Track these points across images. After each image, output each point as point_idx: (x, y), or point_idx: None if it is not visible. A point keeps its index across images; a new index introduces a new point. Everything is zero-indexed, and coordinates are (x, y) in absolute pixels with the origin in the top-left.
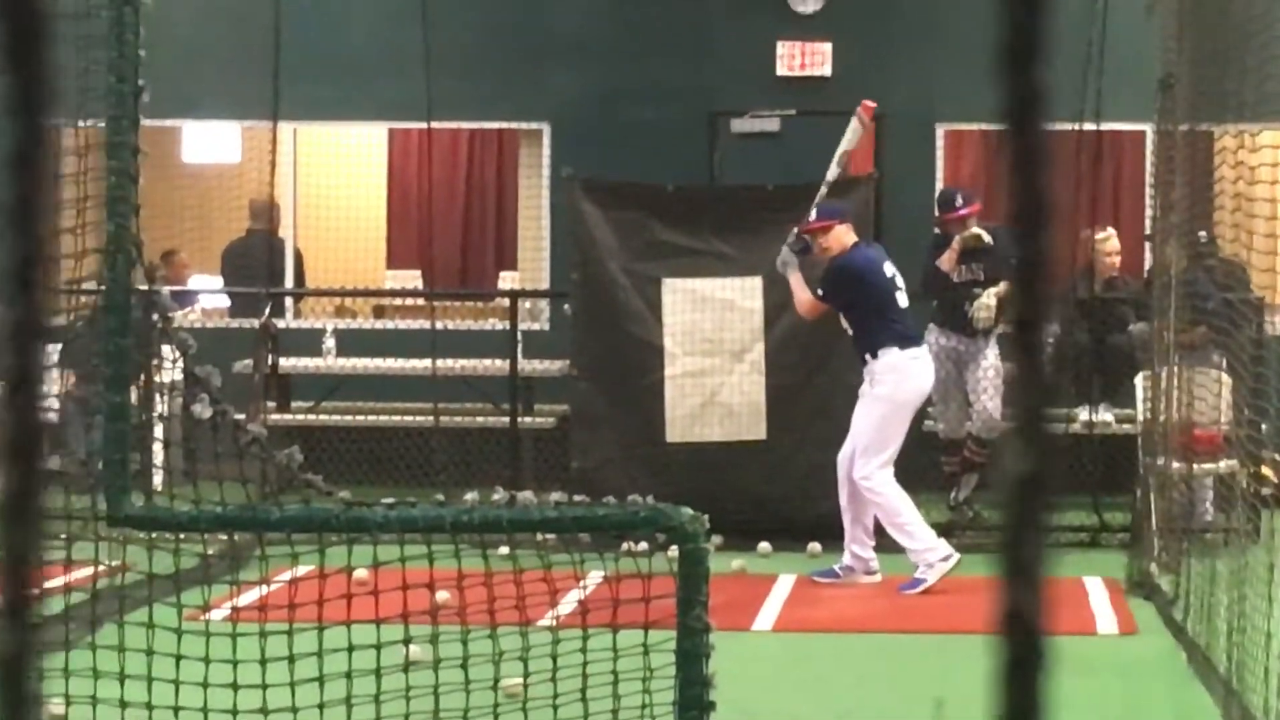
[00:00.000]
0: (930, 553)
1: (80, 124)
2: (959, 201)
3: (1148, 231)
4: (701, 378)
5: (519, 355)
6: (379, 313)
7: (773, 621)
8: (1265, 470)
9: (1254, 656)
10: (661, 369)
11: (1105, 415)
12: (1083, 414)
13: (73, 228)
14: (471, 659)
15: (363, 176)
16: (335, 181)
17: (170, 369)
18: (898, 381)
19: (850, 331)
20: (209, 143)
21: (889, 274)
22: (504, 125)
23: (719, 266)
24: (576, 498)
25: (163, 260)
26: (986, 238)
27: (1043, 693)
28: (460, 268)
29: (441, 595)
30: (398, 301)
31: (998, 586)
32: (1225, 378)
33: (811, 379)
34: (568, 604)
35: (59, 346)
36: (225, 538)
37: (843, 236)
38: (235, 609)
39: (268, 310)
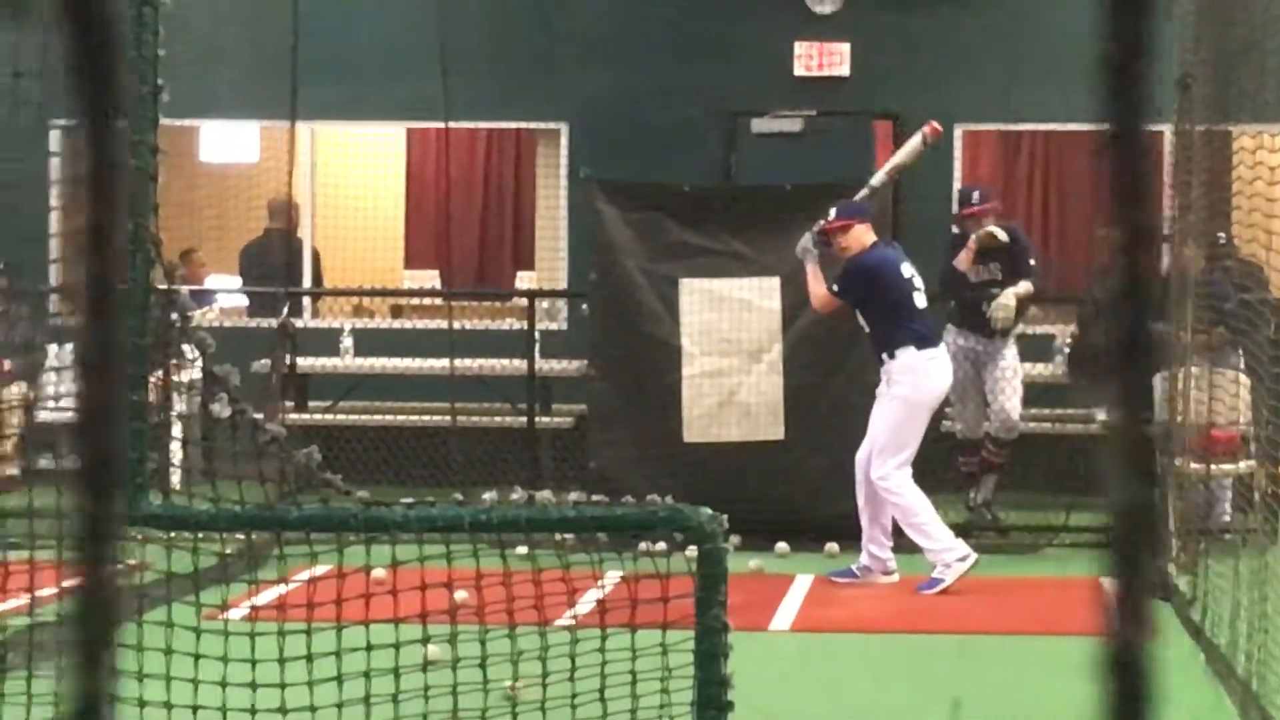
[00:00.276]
0: (948, 553)
1: None
2: (975, 198)
3: (1165, 232)
4: (719, 378)
5: (536, 355)
6: (396, 312)
7: (790, 621)
8: None
9: (1274, 657)
10: (679, 369)
11: None
12: (1100, 414)
13: None
14: (490, 659)
15: (381, 176)
16: (353, 181)
17: (189, 368)
18: (915, 382)
19: (867, 331)
20: (227, 142)
21: (907, 274)
22: (522, 125)
23: (736, 267)
24: (595, 497)
25: (181, 259)
26: (1001, 236)
27: None
28: (478, 267)
29: (460, 595)
30: (415, 301)
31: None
32: (1243, 378)
33: (829, 379)
34: (586, 604)
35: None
36: (243, 537)
37: (862, 236)
38: (254, 608)
39: (286, 310)
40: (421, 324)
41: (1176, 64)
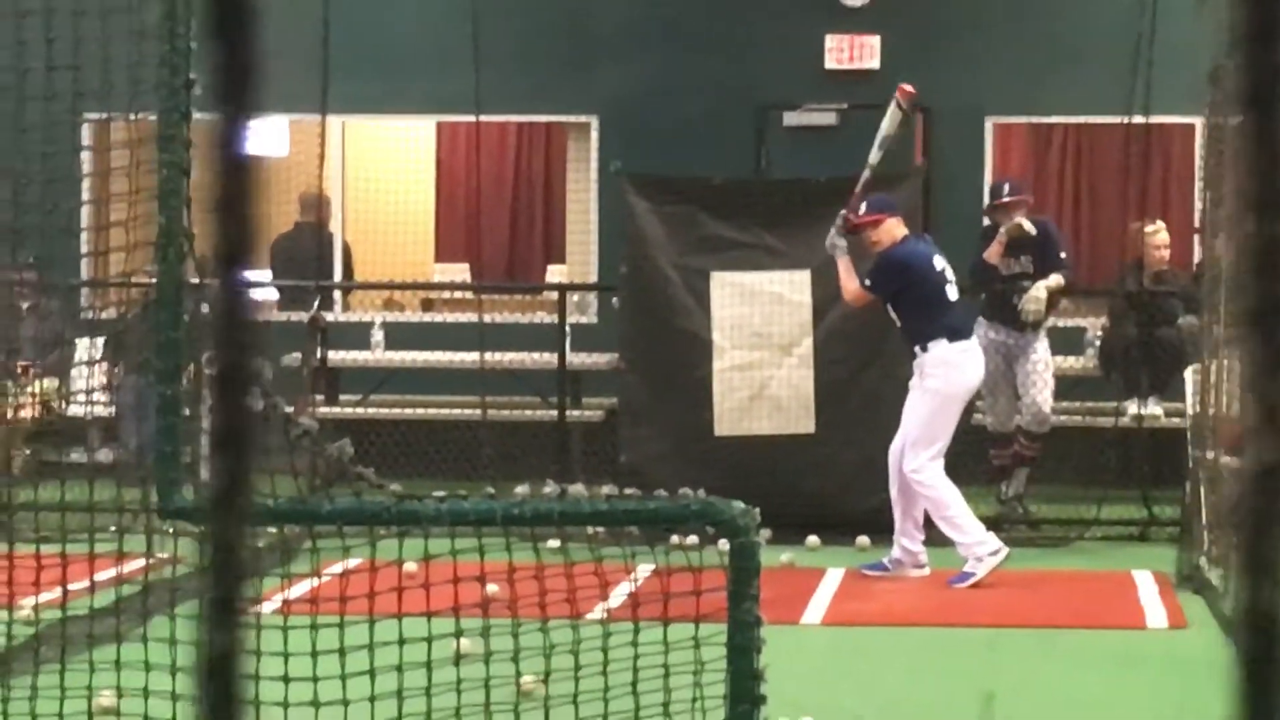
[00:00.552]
0: (979, 546)
1: (132, 117)
2: (1005, 190)
3: (1197, 225)
4: (750, 371)
5: (567, 349)
6: (427, 306)
7: (821, 615)
8: None
9: None
10: (710, 362)
11: (1154, 409)
12: (1132, 407)
13: (124, 221)
14: (522, 652)
15: (411, 170)
16: (383, 175)
17: None
18: (947, 374)
19: (899, 324)
20: (258, 136)
21: (939, 267)
22: (552, 119)
23: (767, 260)
24: (627, 491)
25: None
26: (1029, 228)
27: None
28: (508, 261)
29: (492, 588)
30: (446, 295)
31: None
32: None
33: (860, 372)
34: (618, 597)
35: (106, 339)
36: (276, 530)
37: (893, 230)
38: (286, 601)
39: (316, 303)
40: (452, 318)
41: (1210, 56)
